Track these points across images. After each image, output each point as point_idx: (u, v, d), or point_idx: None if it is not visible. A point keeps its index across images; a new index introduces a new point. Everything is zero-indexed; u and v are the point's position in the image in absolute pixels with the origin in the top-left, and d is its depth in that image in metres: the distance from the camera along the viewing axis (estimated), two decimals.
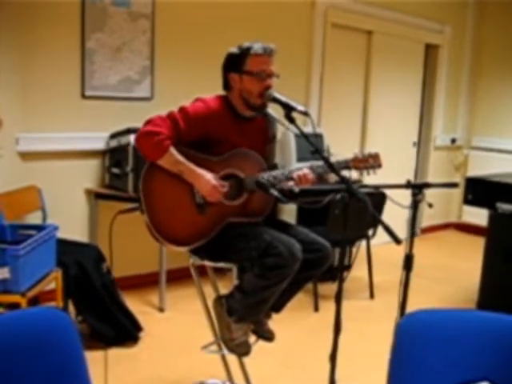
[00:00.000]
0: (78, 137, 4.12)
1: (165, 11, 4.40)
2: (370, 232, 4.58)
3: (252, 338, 2.75)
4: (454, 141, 7.15)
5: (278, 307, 2.76)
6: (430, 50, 6.68)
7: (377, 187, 2.70)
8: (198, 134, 2.51)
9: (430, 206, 2.69)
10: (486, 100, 7.09)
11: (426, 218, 6.98)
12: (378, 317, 4.30)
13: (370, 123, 6.04)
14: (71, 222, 4.15)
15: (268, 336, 2.77)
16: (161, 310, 4.14)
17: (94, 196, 4.21)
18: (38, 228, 3.34)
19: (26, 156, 3.93)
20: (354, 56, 5.84)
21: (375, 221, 4.35)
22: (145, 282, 4.47)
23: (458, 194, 6.93)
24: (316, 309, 4.33)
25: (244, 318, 2.59)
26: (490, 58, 7.02)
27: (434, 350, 1.73)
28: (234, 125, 2.60)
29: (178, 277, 4.45)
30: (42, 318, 1.69)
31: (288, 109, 2.46)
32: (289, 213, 5.04)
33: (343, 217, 2.36)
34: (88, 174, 4.26)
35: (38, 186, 3.93)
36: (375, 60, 5.95)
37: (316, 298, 4.33)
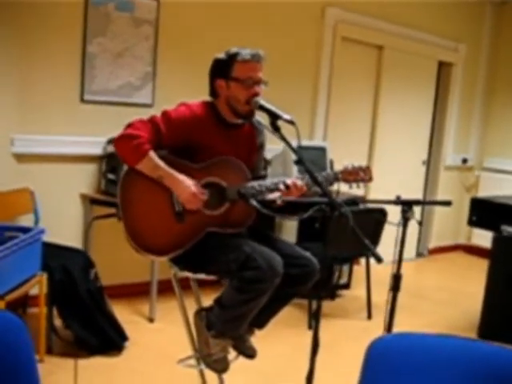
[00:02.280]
0: (75, 141, 4.08)
1: (169, 18, 4.36)
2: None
3: (232, 354, 2.66)
4: (465, 161, 7.01)
5: (260, 323, 2.67)
6: (443, 68, 6.57)
7: (366, 202, 2.60)
8: (180, 139, 2.43)
9: (420, 223, 2.58)
10: (499, 121, 6.95)
11: (434, 238, 6.84)
12: (370, 336, 4.17)
13: (379, 139, 5.93)
14: (65, 226, 4.10)
15: (249, 353, 2.66)
16: (150, 320, 4.06)
17: (89, 201, 4.16)
18: (25, 230, 3.29)
19: (21, 157, 3.90)
20: (363, 70, 5.75)
21: (375, 238, 4.25)
22: (136, 291, 4.39)
23: (467, 215, 6.77)
24: (310, 326, 4.21)
25: (222, 332, 2.50)
26: (505, 78, 6.88)
27: (401, 377, 1.62)
28: (220, 131, 2.52)
29: (170, 288, 4.34)
30: None
31: (273, 117, 2.38)
32: (289, 229, 4.95)
33: (325, 231, 2.27)
34: (84, 179, 4.21)
35: (31, 189, 3.88)
36: (385, 75, 5.86)
37: (310, 315, 4.22)
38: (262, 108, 2.42)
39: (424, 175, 6.66)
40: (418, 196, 6.47)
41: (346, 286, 5.08)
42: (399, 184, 5.92)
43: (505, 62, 6.88)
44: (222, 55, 2.51)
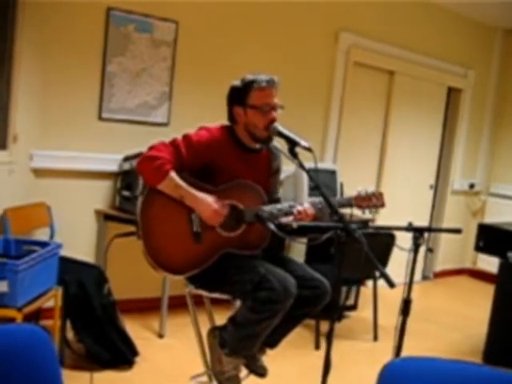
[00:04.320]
0: (91, 157, 4.16)
1: (187, 39, 4.46)
2: (377, 273, 4.52)
3: (244, 372, 2.72)
4: (472, 186, 7.08)
5: (272, 343, 2.73)
6: (453, 94, 6.67)
7: (378, 228, 2.67)
8: (201, 162, 2.52)
9: (431, 250, 2.65)
10: (506, 146, 7.02)
11: (440, 262, 6.88)
12: (379, 360, 4.20)
13: (387, 163, 6.01)
14: (79, 241, 4.17)
15: (260, 372, 2.72)
16: (160, 336, 4.12)
17: (103, 217, 4.24)
18: (43, 244, 3.37)
19: (38, 172, 3.98)
20: (374, 95, 5.85)
21: (383, 260, 4.30)
22: (147, 307, 4.45)
23: (472, 239, 6.81)
24: (317, 347, 4.26)
25: (235, 351, 2.57)
26: None
27: None
28: (238, 155, 2.61)
29: (180, 304, 4.40)
30: (20, 334, 1.69)
31: (292, 143, 2.46)
32: (298, 250, 5.01)
33: (340, 255, 2.34)
34: (99, 195, 4.29)
35: (48, 203, 3.97)
36: (396, 100, 5.95)
37: (318, 335, 4.27)
38: (281, 134, 2.51)
39: (431, 199, 6.72)
40: (426, 219, 6.54)
41: (353, 307, 5.13)
42: (407, 207, 5.99)
43: None
44: (238, 83, 2.59)
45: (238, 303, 3.10)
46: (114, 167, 4.26)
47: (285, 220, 2.58)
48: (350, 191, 4.15)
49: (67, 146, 4.07)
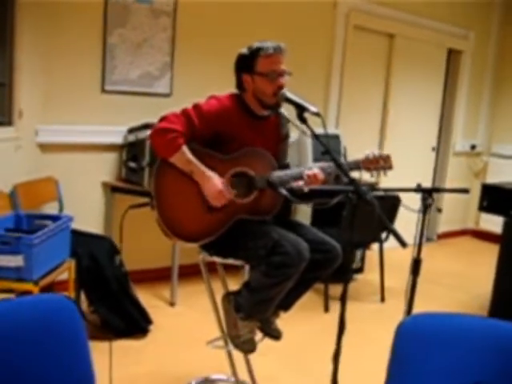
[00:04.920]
0: (96, 130, 4.18)
1: (186, 9, 4.44)
2: (383, 235, 4.58)
3: (258, 336, 2.77)
4: (473, 147, 7.10)
5: (286, 306, 2.78)
6: (453, 56, 6.65)
7: (386, 190, 2.70)
8: (212, 131, 2.53)
9: (439, 210, 2.68)
10: (507, 107, 7.03)
11: (443, 224, 6.94)
12: (387, 320, 4.27)
13: (389, 126, 6.03)
14: (87, 213, 4.21)
15: (275, 334, 2.78)
16: (171, 304, 4.19)
17: (111, 189, 4.27)
18: (54, 218, 3.41)
19: (44, 147, 4.00)
20: (375, 59, 5.83)
21: (383, 223, 4.35)
22: (157, 276, 4.52)
23: (475, 200, 6.86)
24: (326, 309, 4.34)
25: (250, 315, 2.62)
26: None
27: (432, 353, 1.74)
28: (248, 123, 2.62)
29: (190, 272, 4.48)
30: (49, 304, 1.73)
31: (300, 109, 2.47)
32: (303, 214, 5.05)
33: (351, 218, 2.37)
34: (105, 168, 4.31)
35: (56, 178, 4.00)
36: (396, 63, 5.94)
37: (326, 298, 4.34)
38: (289, 100, 2.52)
39: (433, 161, 6.75)
40: (428, 181, 6.58)
41: (360, 270, 5.20)
42: (410, 170, 6.01)
43: None
44: (245, 51, 2.59)
45: (247, 269, 3.15)
46: (118, 139, 4.28)
47: (295, 185, 2.61)
48: (353, 155, 4.18)
49: (72, 119, 4.08)
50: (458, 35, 6.53)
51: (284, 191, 2.45)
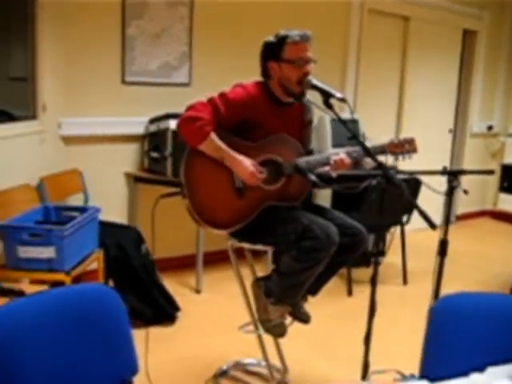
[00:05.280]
0: (117, 121, 4.23)
1: None
2: (404, 218, 4.60)
3: (288, 320, 2.82)
4: (490, 128, 7.08)
5: (313, 290, 2.82)
6: (468, 36, 6.61)
7: (413, 173, 2.73)
8: (238, 119, 2.56)
9: (466, 192, 2.71)
10: None
11: (461, 205, 6.94)
12: (410, 302, 4.34)
13: (406, 109, 6.03)
14: (111, 204, 4.25)
15: (304, 318, 2.82)
16: (197, 291, 4.24)
17: (133, 179, 4.32)
18: (81, 210, 3.47)
19: (68, 140, 4.06)
20: (390, 42, 5.82)
21: (410, 207, 4.37)
22: (182, 264, 4.57)
23: (493, 181, 6.88)
24: (349, 293, 4.38)
25: (281, 299, 2.66)
26: None
27: (467, 331, 1.78)
28: (273, 110, 2.65)
29: (214, 259, 4.54)
30: (94, 294, 1.79)
31: (326, 95, 2.50)
32: (323, 198, 5.07)
33: (380, 202, 2.40)
34: (127, 158, 4.37)
35: (80, 170, 4.05)
36: (412, 46, 5.93)
37: (350, 282, 4.38)
38: (315, 87, 2.54)
39: (451, 143, 6.74)
40: (446, 163, 6.58)
41: (381, 253, 5.22)
42: (427, 152, 5.99)
43: None
44: (271, 38, 2.61)
45: (270, 254, 3.19)
46: (139, 130, 4.32)
47: (321, 170, 2.64)
48: (371, 140, 4.20)
49: (93, 111, 4.13)
50: (473, 15, 6.49)
51: (313, 177, 2.48)
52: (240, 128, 2.60)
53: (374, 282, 2.47)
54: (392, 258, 5.03)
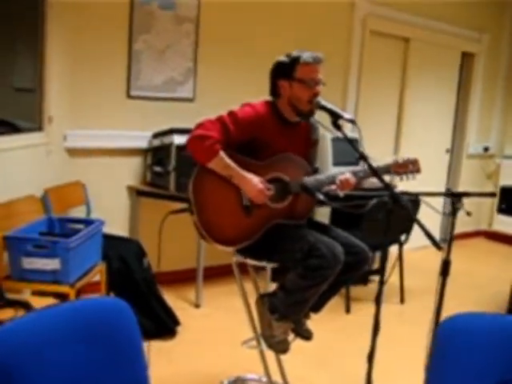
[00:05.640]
0: (121, 135, 4.26)
1: (209, 15, 4.52)
2: (403, 237, 4.64)
3: (290, 336, 2.84)
4: (486, 149, 7.17)
5: (316, 308, 2.85)
6: (466, 58, 6.72)
7: (417, 194, 2.77)
8: (247, 137, 2.61)
9: (469, 214, 2.76)
10: None
11: (457, 225, 6.96)
12: (409, 321, 4.37)
13: (405, 128, 6.11)
14: (112, 217, 4.27)
15: (306, 335, 2.85)
16: (197, 306, 4.26)
17: (136, 193, 4.35)
18: (85, 222, 3.48)
19: (72, 152, 4.09)
20: (390, 62, 5.91)
21: (409, 226, 4.42)
22: (181, 278, 4.59)
23: (488, 202, 6.95)
24: (348, 310, 4.41)
25: (286, 316, 2.69)
26: None
27: (473, 352, 1.81)
28: (280, 130, 2.70)
29: (213, 274, 4.57)
30: (107, 307, 1.81)
31: (335, 116, 2.55)
32: (322, 215, 5.12)
33: (387, 222, 2.44)
34: (130, 172, 4.40)
35: (83, 182, 4.08)
36: (411, 66, 6.02)
37: (348, 300, 4.41)
38: (324, 108, 2.60)
39: (447, 163, 6.82)
40: (442, 183, 6.66)
41: (378, 271, 5.25)
42: (425, 172, 6.07)
43: None
44: (284, 58, 2.66)
45: (269, 271, 3.22)
46: (143, 144, 4.36)
47: (330, 189, 2.68)
48: (371, 158, 4.24)
49: (98, 124, 4.17)
50: (472, 38, 6.60)
51: (321, 196, 2.53)
52: (248, 147, 2.64)
53: (378, 300, 2.51)
54: (389, 276, 5.07)
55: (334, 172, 2.74)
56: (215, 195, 2.57)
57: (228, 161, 2.53)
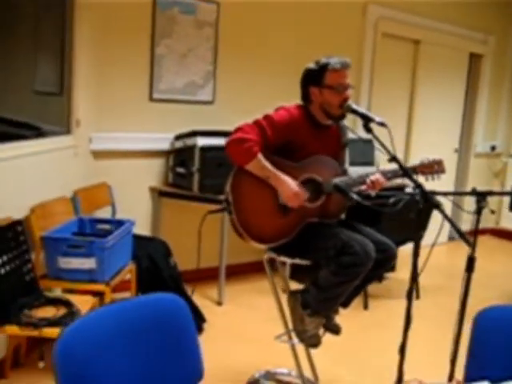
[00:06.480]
0: (144, 137, 4.37)
1: (228, 19, 4.63)
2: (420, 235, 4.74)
3: (321, 331, 2.95)
4: (493, 148, 7.29)
5: (345, 303, 2.95)
6: (474, 59, 6.84)
7: (445, 194, 2.87)
8: (282, 140, 2.71)
9: (493, 212, 2.87)
10: None
11: (465, 222, 7.12)
12: (426, 316, 4.48)
13: (415, 129, 6.23)
14: (135, 217, 4.34)
15: (335, 329, 2.96)
16: (219, 303, 4.36)
17: (158, 193, 4.45)
18: (113, 222, 3.59)
19: (97, 154, 4.19)
20: (401, 64, 6.03)
21: (425, 224, 4.52)
22: (202, 277, 4.69)
23: (495, 200, 7.07)
24: (365, 307, 4.52)
25: (318, 311, 2.80)
26: None
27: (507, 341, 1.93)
28: (313, 132, 2.80)
29: (233, 272, 4.67)
30: (166, 303, 1.92)
31: (366, 119, 2.66)
32: None
33: (418, 221, 2.55)
34: (153, 173, 4.50)
35: (108, 183, 4.18)
36: (421, 68, 6.15)
37: (366, 297, 4.53)
38: (355, 112, 2.71)
39: (456, 162, 6.94)
40: (451, 182, 6.78)
41: (392, 269, 5.37)
42: None
43: None
44: (312, 65, 2.77)
45: (287, 269, 3.32)
46: (165, 145, 4.46)
47: (357, 189, 2.79)
48: (383, 159, 4.35)
49: (122, 127, 4.27)
50: (479, 40, 6.72)
51: (355, 195, 2.63)
52: (283, 149, 2.74)
53: (409, 295, 2.61)
54: (399, 273, 5.19)
55: (363, 172, 2.84)
56: (252, 195, 2.68)
57: (265, 163, 2.64)
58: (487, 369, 1.96)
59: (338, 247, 2.62)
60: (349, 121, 2.92)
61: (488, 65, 6.91)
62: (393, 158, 2.58)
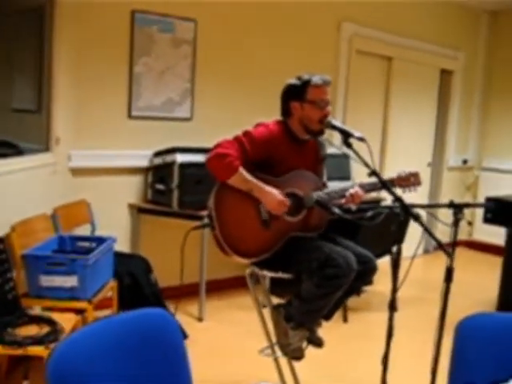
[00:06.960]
0: (123, 154, 4.38)
1: (205, 37, 4.69)
2: (394, 248, 4.81)
3: (304, 344, 2.98)
4: (465, 162, 7.44)
5: (328, 315, 2.99)
6: (445, 75, 7.00)
7: (423, 206, 2.95)
8: (262, 155, 2.75)
9: (470, 223, 2.95)
10: (496, 122, 7.40)
11: (438, 235, 7.18)
12: (403, 327, 4.52)
13: (389, 144, 6.34)
14: (115, 233, 4.34)
15: (318, 342, 3.00)
16: (200, 319, 4.36)
17: (137, 210, 4.45)
18: (94, 240, 3.59)
19: (76, 172, 4.19)
20: (375, 80, 6.16)
21: (401, 236, 4.59)
22: (184, 293, 4.68)
23: (468, 212, 7.20)
24: (345, 320, 4.57)
25: (301, 324, 2.83)
26: (501, 83, 7.35)
27: (491, 347, 1.98)
28: (292, 147, 2.86)
29: (213, 288, 4.68)
30: (152, 318, 1.93)
31: (346, 135, 2.72)
32: None
33: (399, 233, 2.61)
34: (131, 190, 4.51)
35: (88, 201, 4.18)
36: (394, 83, 6.28)
37: (345, 310, 4.57)
38: (335, 127, 2.77)
39: (429, 176, 7.07)
40: (424, 195, 6.89)
41: (370, 282, 5.42)
42: None
43: (500, 67, 7.34)
44: (294, 81, 2.83)
45: (267, 283, 3.34)
46: (144, 162, 4.48)
47: (337, 202, 2.85)
48: (358, 173, 4.43)
49: (100, 144, 4.28)
50: (449, 56, 6.89)
51: (336, 209, 2.68)
52: (263, 164, 2.78)
53: (391, 306, 2.66)
54: (377, 286, 5.25)
55: (342, 186, 2.90)
56: (235, 210, 2.71)
57: (247, 176, 2.68)
58: (470, 376, 2.01)
59: (321, 260, 2.66)
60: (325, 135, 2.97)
61: (458, 80, 7.08)
62: (373, 173, 2.64)
